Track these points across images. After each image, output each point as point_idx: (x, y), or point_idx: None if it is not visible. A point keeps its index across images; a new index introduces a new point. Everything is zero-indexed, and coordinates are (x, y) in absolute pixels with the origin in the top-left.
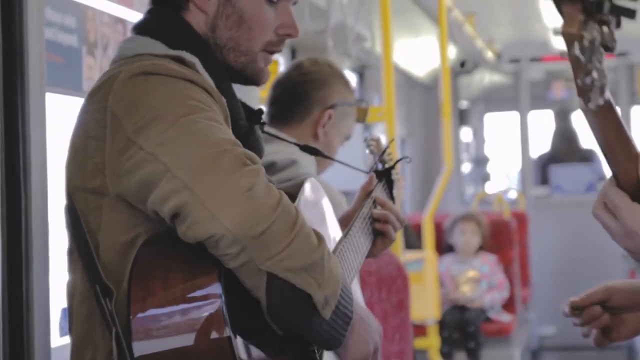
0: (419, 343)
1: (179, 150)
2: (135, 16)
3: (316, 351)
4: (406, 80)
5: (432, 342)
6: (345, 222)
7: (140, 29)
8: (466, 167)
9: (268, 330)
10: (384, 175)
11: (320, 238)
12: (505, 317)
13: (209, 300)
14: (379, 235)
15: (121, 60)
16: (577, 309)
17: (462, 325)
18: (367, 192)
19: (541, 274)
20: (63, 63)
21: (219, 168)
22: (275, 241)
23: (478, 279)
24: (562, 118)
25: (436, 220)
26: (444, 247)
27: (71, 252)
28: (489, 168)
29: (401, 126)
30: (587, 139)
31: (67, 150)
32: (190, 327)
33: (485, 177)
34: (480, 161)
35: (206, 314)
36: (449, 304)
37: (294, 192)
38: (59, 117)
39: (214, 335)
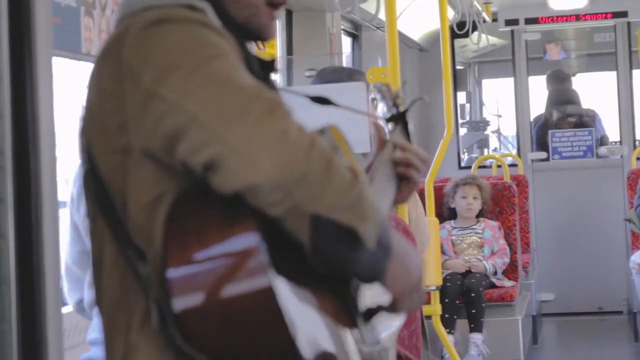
0: None
1: (206, 98)
2: None
3: (352, 290)
4: (400, 42)
5: (434, 309)
6: (366, 170)
7: None
8: (461, 132)
9: (307, 272)
10: (400, 119)
11: (355, 171)
12: (507, 283)
13: (247, 251)
14: (404, 179)
15: (127, 17)
16: None
17: (463, 292)
18: (382, 141)
19: (540, 239)
20: (61, 23)
21: (251, 114)
22: (316, 181)
23: (481, 245)
24: (558, 80)
25: (435, 185)
26: (444, 212)
27: (94, 219)
28: (487, 132)
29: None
30: (586, 101)
31: (82, 115)
32: (230, 279)
33: (483, 142)
34: (477, 125)
35: (245, 264)
36: (450, 270)
37: None
38: (58, 79)
39: (255, 284)
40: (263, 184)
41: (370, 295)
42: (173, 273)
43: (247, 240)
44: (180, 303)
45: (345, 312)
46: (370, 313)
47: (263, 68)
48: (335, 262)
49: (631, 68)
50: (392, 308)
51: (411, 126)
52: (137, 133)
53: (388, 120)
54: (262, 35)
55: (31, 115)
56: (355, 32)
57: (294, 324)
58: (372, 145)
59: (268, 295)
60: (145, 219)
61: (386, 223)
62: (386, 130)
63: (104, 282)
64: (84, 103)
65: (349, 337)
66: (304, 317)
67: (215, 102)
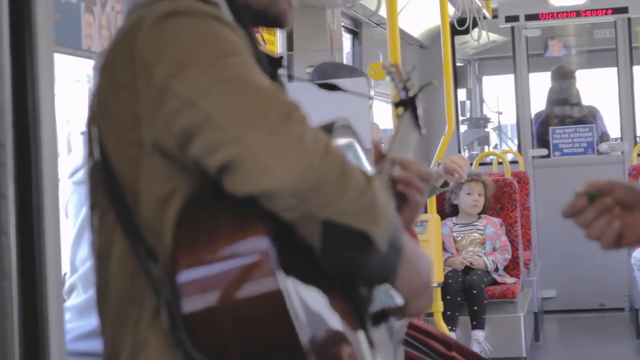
0: None
1: (222, 98)
2: None
3: (362, 292)
4: (400, 39)
5: (435, 306)
6: None
7: None
8: (462, 129)
9: (317, 271)
10: (410, 103)
11: (367, 175)
12: (509, 280)
13: (257, 255)
14: (403, 200)
15: (138, 8)
16: (592, 196)
17: (465, 289)
18: (380, 154)
19: (541, 236)
20: (62, 20)
21: (267, 119)
22: (330, 188)
23: (482, 242)
24: (562, 77)
25: None
26: (445, 209)
27: (103, 213)
28: (487, 129)
29: None
30: (587, 97)
31: (93, 105)
32: (239, 282)
33: (483, 139)
34: (478, 122)
35: (254, 268)
36: (451, 267)
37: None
38: (59, 76)
39: (264, 288)
40: (278, 191)
41: (380, 297)
42: (182, 275)
43: (257, 243)
44: (189, 305)
45: (355, 313)
46: (380, 316)
47: (271, 64)
48: (347, 265)
49: (632, 64)
50: (402, 309)
51: (420, 111)
52: (149, 127)
53: (397, 104)
54: (281, 21)
55: (32, 110)
56: (355, 29)
57: (304, 328)
58: (370, 158)
59: (277, 299)
60: (155, 215)
61: (398, 225)
62: (398, 113)
63: (112, 276)
64: (94, 90)
65: (359, 337)
66: (315, 319)
67: (231, 103)
